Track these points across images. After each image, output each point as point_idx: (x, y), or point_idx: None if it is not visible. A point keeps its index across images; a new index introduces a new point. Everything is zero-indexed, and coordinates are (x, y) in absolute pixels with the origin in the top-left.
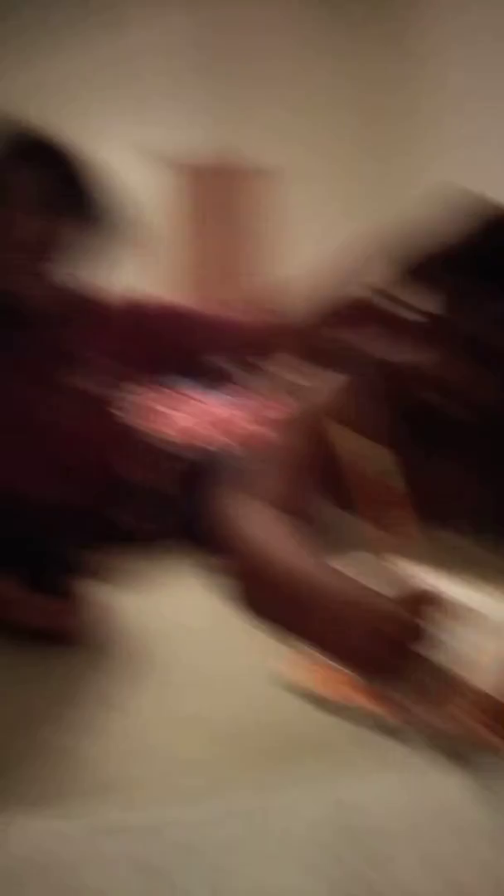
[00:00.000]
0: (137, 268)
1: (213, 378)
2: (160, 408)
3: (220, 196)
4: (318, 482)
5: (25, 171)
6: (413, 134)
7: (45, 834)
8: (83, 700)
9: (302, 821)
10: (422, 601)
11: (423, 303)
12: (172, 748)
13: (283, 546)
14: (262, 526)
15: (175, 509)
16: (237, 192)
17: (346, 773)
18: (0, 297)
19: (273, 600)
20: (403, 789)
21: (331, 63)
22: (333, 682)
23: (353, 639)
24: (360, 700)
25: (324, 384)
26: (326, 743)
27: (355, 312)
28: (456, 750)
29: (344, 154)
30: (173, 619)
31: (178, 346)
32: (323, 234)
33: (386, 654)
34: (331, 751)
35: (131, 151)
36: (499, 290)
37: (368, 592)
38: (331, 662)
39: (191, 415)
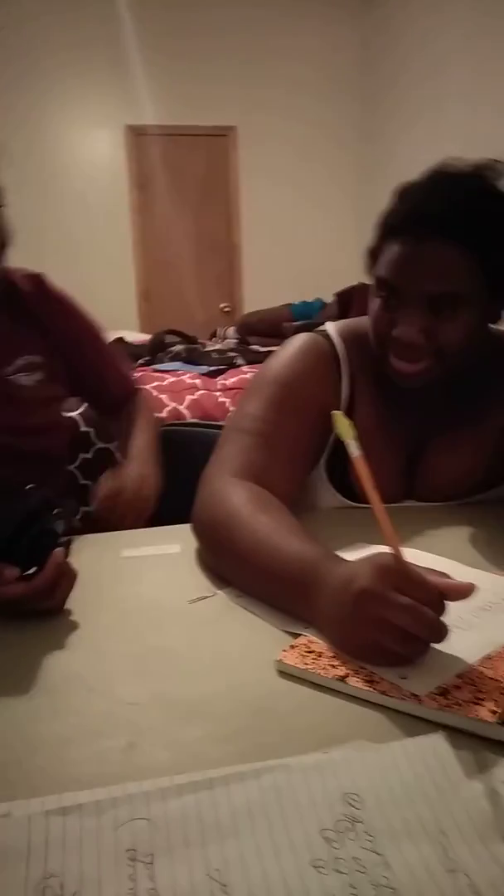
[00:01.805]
0: (88, 234)
1: (177, 352)
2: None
3: (172, 159)
4: (286, 452)
5: None
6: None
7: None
8: (59, 681)
9: (302, 805)
10: (416, 582)
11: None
12: (162, 732)
13: (262, 522)
14: (233, 499)
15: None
16: (190, 154)
17: (346, 757)
18: None
19: (255, 577)
20: (405, 770)
21: (290, 26)
22: (326, 662)
23: (344, 619)
24: (359, 682)
25: (289, 355)
26: (327, 728)
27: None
28: (453, 726)
29: (299, 116)
30: (158, 599)
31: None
32: (277, 196)
33: (377, 634)
34: (332, 735)
35: (81, 117)
36: (440, 240)
37: (359, 573)
38: (323, 641)
39: (157, 389)
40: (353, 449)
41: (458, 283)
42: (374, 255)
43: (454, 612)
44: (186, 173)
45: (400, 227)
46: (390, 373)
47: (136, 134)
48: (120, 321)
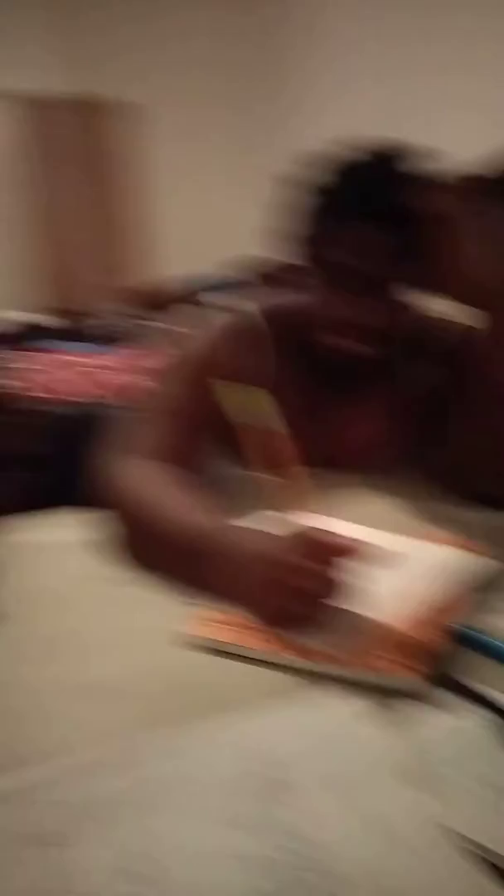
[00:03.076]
0: None
1: (86, 332)
2: (29, 366)
3: (74, 133)
4: (202, 431)
5: None
6: (276, 76)
7: None
8: None
9: (214, 773)
10: (318, 545)
11: (296, 248)
12: (70, 715)
13: (165, 498)
14: (143, 479)
15: (51, 469)
16: (93, 128)
17: (257, 721)
18: None
19: (160, 554)
20: (317, 732)
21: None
22: (237, 631)
23: (249, 587)
24: (266, 646)
25: (201, 332)
26: (235, 694)
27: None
28: (368, 686)
29: (205, 91)
30: (57, 583)
31: None
32: (186, 173)
33: (281, 599)
34: (240, 700)
35: None
36: (357, 221)
37: (260, 540)
38: (232, 611)
39: (63, 370)
40: (265, 422)
41: (410, 268)
42: (316, 238)
43: (360, 572)
44: (82, 146)
45: (357, 211)
46: (333, 353)
47: (30, 104)
48: (3, 300)
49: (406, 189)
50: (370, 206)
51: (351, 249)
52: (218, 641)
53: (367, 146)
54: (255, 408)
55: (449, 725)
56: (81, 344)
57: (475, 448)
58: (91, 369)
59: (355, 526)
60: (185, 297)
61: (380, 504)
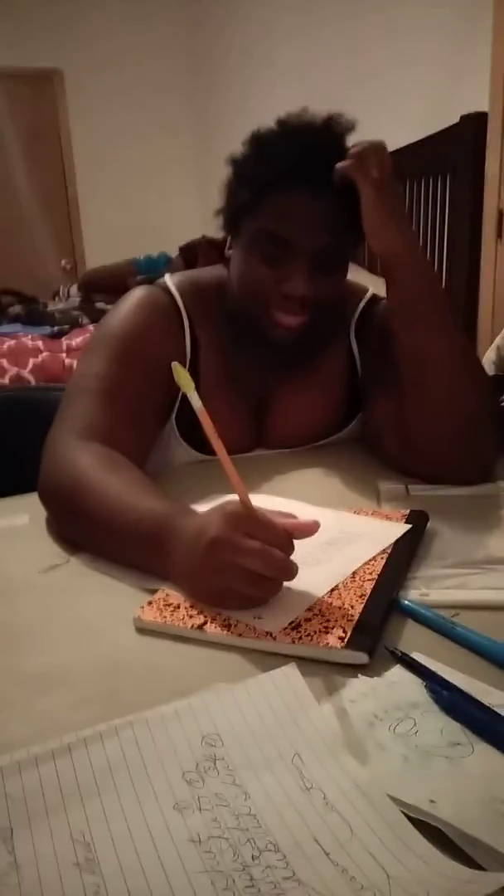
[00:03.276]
0: None
1: (16, 313)
2: None
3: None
4: (137, 409)
5: None
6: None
7: None
8: None
9: (163, 754)
10: (259, 524)
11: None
12: (21, 705)
13: (107, 482)
14: (82, 461)
15: None
16: (12, 98)
17: (204, 700)
18: None
19: (105, 537)
20: (260, 703)
21: None
22: (188, 614)
23: (195, 568)
24: (216, 629)
25: (127, 309)
26: (188, 676)
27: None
28: (307, 657)
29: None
30: (7, 571)
31: None
32: (114, 147)
33: (228, 580)
34: (193, 683)
35: None
36: (306, 193)
37: (206, 522)
38: (181, 593)
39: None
40: (195, 400)
41: (340, 237)
42: (244, 209)
43: (302, 550)
44: (11, 120)
45: (283, 179)
46: (267, 326)
47: None
48: None
49: (339, 159)
50: (315, 176)
51: (299, 221)
52: (167, 625)
53: (313, 118)
54: (184, 386)
55: (381, 693)
56: (26, 328)
57: (388, 419)
58: (35, 353)
59: (292, 502)
60: (127, 278)
61: (316, 478)
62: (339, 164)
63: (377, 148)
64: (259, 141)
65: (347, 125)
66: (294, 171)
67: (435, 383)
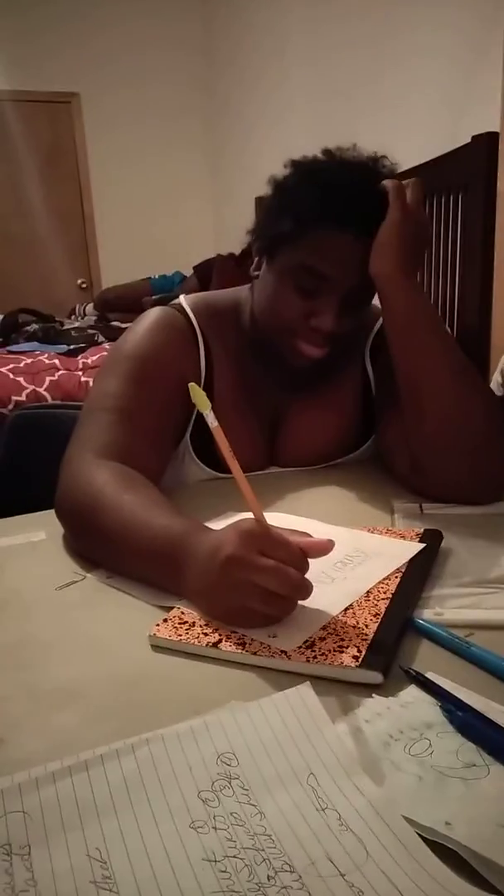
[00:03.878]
0: None
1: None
2: None
3: (12, 126)
4: (153, 428)
5: None
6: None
7: None
8: None
9: (178, 772)
10: (274, 543)
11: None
12: (37, 722)
13: (124, 500)
14: (99, 479)
15: (8, 472)
16: (32, 121)
17: (219, 718)
18: None
19: (121, 556)
20: (275, 722)
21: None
22: (202, 632)
23: (211, 587)
24: (233, 647)
25: (143, 329)
26: (203, 694)
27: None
28: (321, 675)
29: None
30: (25, 588)
31: None
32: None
33: (244, 598)
34: (208, 701)
35: None
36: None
37: (222, 540)
38: (197, 611)
39: (13, 371)
40: (211, 419)
41: (369, 277)
42: (285, 237)
43: (317, 569)
44: (29, 142)
45: (331, 218)
46: (290, 354)
47: None
48: None
49: (375, 196)
50: (360, 221)
51: (339, 261)
52: (182, 642)
53: (361, 159)
54: (200, 405)
55: (396, 713)
56: (42, 346)
57: (399, 440)
58: (51, 371)
59: (305, 520)
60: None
61: (329, 497)
62: (384, 182)
63: (418, 181)
64: (310, 174)
65: (392, 168)
66: (342, 212)
67: (431, 404)
